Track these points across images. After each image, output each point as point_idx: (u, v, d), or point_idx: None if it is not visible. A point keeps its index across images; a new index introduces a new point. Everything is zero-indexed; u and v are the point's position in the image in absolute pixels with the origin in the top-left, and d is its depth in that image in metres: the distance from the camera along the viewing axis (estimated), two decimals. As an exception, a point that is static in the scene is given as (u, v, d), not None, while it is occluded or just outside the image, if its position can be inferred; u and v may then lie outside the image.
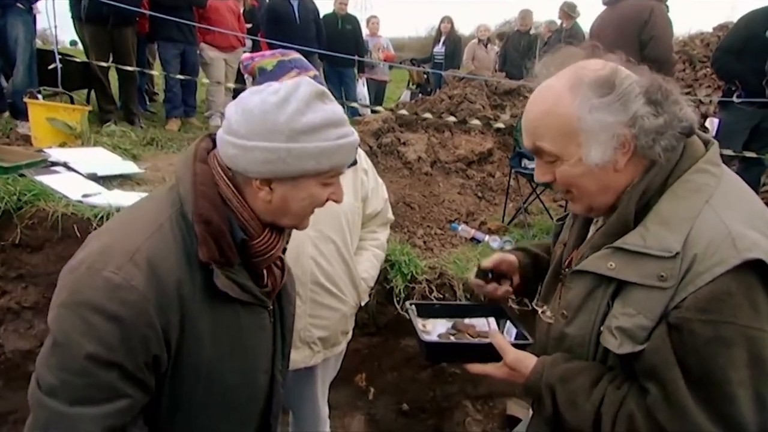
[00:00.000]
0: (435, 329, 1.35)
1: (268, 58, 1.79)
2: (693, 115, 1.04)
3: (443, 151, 5.04)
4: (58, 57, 4.33)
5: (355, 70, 7.63)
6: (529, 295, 1.46)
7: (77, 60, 5.06)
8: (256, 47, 6.75)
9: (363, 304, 2.17)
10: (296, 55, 1.80)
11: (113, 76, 5.44)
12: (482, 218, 4.12)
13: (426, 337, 1.27)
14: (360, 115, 6.39)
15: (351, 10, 7.53)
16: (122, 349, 0.94)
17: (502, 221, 4.07)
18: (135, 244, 0.97)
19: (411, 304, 1.38)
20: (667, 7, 4.37)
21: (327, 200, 1.12)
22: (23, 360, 2.85)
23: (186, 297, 1.01)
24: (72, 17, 5.08)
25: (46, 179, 2.86)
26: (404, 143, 4.88)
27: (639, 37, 4.20)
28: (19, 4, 4.44)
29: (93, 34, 4.99)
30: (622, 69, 1.01)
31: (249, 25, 6.69)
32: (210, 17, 5.80)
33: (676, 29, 4.41)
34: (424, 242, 3.57)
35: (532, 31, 8.49)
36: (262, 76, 1.77)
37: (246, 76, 1.95)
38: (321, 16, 6.87)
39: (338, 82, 7.44)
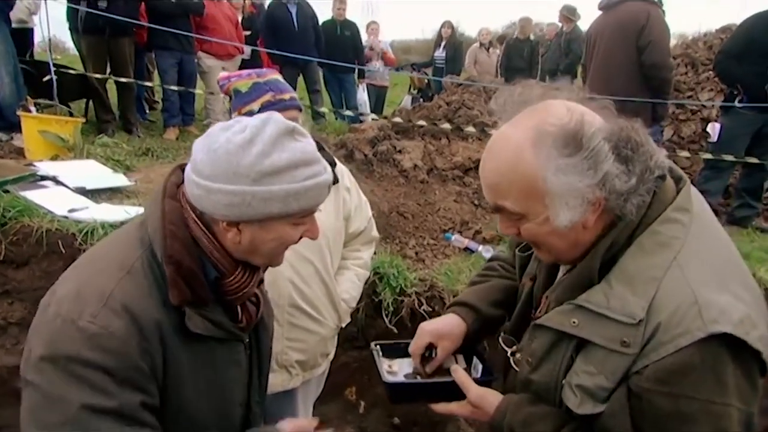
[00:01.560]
0: (401, 369, 1.27)
1: (243, 80, 1.74)
2: (665, 161, 0.96)
3: (440, 158, 4.96)
4: (53, 69, 4.31)
5: (355, 76, 7.58)
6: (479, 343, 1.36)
7: (73, 71, 5.04)
8: (254, 55, 6.72)
9: (344, 325, 2.10)
10: (272, 76, 1.75)
11: (111, 87, 5.43)
12: (477, 227, 4.04)
13: (389, 378, 1.21)
14: (360, 121, 6.33)
15: (358, 12, 7.49)
16: (117, 393, 0.91)
17: (497, 230, 3.98)
18: (108, 289, 0.94)
19: (375, 345, 1.30)
20: (664, 11, 4.28)
21: (301, 237, 1.07)
22: (10, 375, 2.81)
23: (166, 338, 0.98)
24: (69, 28, 5.07)
25: (33, 194, 2.82)
26: (400, 151, 4.80)
27: (636, 42, 4.11)
28: None
29: (90, 44, 4.98)
30: (587, 120, 0.90)
31: (248, 32, 6.66)
32: (207, 26, 5.77)
33: (684, 29, 4.30)
34: (416, 253, 3.50)
35: (532, 38, 8.40)
36: (237, 97, 1.72)
37: (222, 96, 1.90)
38: (320, 22, 6.83)
39: (338, 89, 7.40)
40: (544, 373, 1.02)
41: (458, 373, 1.13)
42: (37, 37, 6.30)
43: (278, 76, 1.77)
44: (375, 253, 3.21)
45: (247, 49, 6.50)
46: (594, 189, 0.89)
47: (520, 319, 1.19)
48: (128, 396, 0.93)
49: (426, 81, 8.82)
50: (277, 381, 1.86)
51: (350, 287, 2.06)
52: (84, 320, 0.91)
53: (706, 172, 4.40)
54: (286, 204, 0.97)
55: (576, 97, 0.97)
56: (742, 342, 0.84)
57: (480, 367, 1.25)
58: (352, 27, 7.32)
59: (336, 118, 6.86)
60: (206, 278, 1.02)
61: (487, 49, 8.76)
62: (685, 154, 4.94)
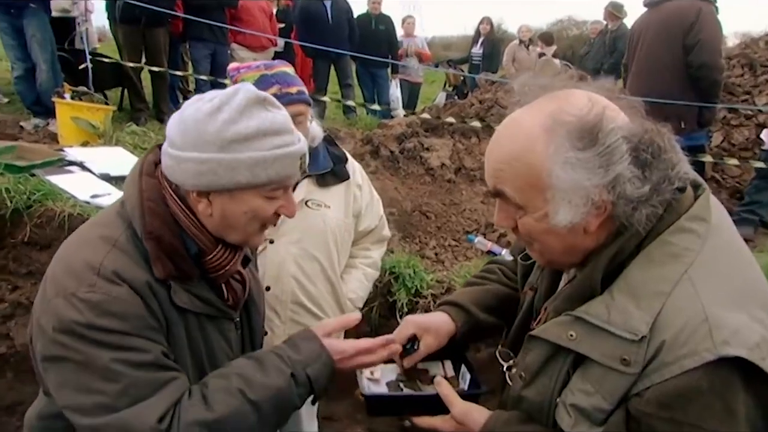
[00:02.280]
0: (384, 376, 1.21)
1: (252, 71, 1.72)
2: (688, 172, 0.88)
3: (469, 157, 4.86)
4: (89, 57, 4.44)
5: (389, 71, 7.52)
6: (467, 348, 1.29)
7: (108, 60, 5.18)
8: (288, 47, 6.76)
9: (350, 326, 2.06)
10: (281, 69, 1.71)
11: (146, 76, 5.55)
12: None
13: (369, 389, 1.15)
14: (391, 117, 6.28)
15: (399, 7, 7.45)
16: (139, 347, 0.94)
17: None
18: (97, 261, 0.95)
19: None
20: (717, 8, 4.03)
21: (277, 215, 1.07)
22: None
23: (163, 305, 1.00)
24: (108, 18, 5.21)
25: (58, 179, 2.89)
26: (428, 149, 4.73)
27: (683, 41, 3.89)
28: (32, 5, 4.56)
29: (126, 34, 5.11)
30: (609, 114, 0.83)
31: (282, 25, 6.70)
32: (241, 17, 5.83)
33: (748, 27, 4.02)
34: (436, 254, 3.43)
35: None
36: None
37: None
38: (355, 16, 6.80)
39: (371, 84, 7.37)
40: (537, 390, 0.95)
41: (442, 386, 1.07)
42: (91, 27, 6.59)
43: (287, 69, 1.73)
44: (392, 252, 3.18)
45: (281, 42, 6.54)
46: (601, 190, 0.82)
47: (519, 332, 1.12)
48: (150, 347, 0.96)
49: (461, 78, 8.69)
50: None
51: (357, 287, 2.01)
52: (83, 292, 0.92)
53: (758, 181, 4.14)
54: (254, 173, 0.97)
55: (604, 91, 0.90)
56: (757, 368, 0.75)
57: (468, 377, 1.18)
58: (387, 21, 7.27)
59: (367, 113, 6.84)
60: (188, 254, 1.03)
61: (527, 47, 8.54)
62: (735, 162, 4.66)
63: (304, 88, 1.71)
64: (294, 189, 1.77)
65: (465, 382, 1.17)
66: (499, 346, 1.17)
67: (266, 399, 1.01)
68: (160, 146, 1.07)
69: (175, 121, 1.00)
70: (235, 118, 0.96)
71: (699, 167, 4.07)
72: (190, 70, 6.32)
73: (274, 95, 1.63)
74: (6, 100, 5.40)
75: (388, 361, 1.21)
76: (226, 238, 1.05)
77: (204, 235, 1.04)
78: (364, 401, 1.12)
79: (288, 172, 1.01)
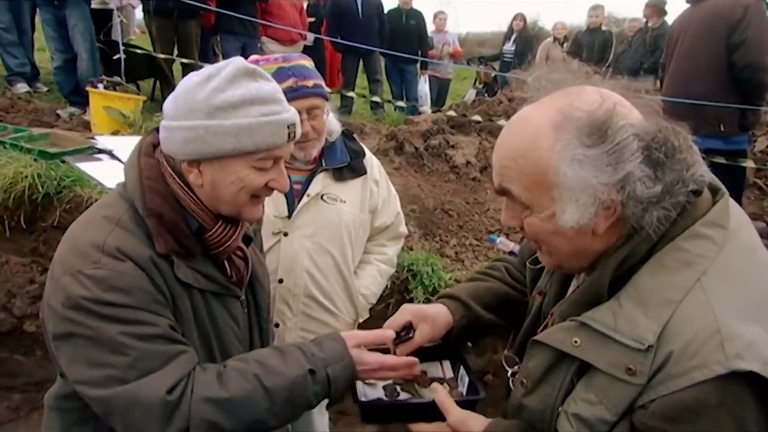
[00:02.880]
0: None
1: (270, 63, 1.72)
2: (705, 175, 0.84)
3: (495, 156, 4.80)
4: (122, 48, 4.57)
5: (418, 67, 7.48)
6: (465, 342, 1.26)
7: (140, 51, 5.31)
8: (317, 42, 6.80)
9: (362, 321, 2.06)
10: (298, 62, 1.71)
11: (178, 68, 5.66)
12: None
13: (364, 393, 1.14)
14: (419, 113, 6.26)
15: (434, 2, 7.41)
16: (146, 321, 0.96)
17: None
18: (101, 239, 0.98)
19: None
20: (767, 4, 3.84)
21: (268, 188, 1.08)
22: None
23: (167, 280, 1.02)
24: (143, 10, 5.34)
25: (87, 166, 2.98)
26: (453, 146, 4.69)
27: (727, 39, 3.72)
28: None
29: (159, 26, 5.23)
30: (620, 110, 0.80)
31: (312, 19, 6.74)
32: (272, 11, 5.89)
33: None
34: (456, 253, 3.39)
35: (604, 28, 7.88)
36: None
37: None
38: (385, 11, 6.79)
39: (399, 79, 7.35)
40: (539, 398, 0.92)
41: (438, 392, 1.05)
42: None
43: (306, 62, 1.73)
44: (411, 249, 3.17)
45: (310, 36, 6.58)
46: (610, 189, 0.79)
47: (526, 337, 1.08)
48: (157, 321, 0.98)
49: (492, 75, 8.59)
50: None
51: (371, 282, 2.01)
52: (89, 268, 0.95)
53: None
54: (239, 140, 0.98)
55: (619, 88, 0.87)
56: None
57: (467, 380, 1.15)
58: (418, 16, 7.23)
59: (395, 109, 6.83)
60: (189, 230, 1.05)
61: (562, 44, 8.36)
62: (779, 167, 4.47)
63: (321, 82, 1.71)
64: (310, 182, 1.80)
65: (464, 385, 1.15)
66: (505, 351, 1.15)
67: (281, 388, 1.02)
68: (158, 129, 1.10)
69: (170, 95, 1.04)
70: (223, 86, 0.98)
71: (740, 172, 3.91)
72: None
73: (290, 88, 1.65)
74: (45, 89, 5.59)
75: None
76: (220, 210, 1.07)
77: (204, 212, 1.06)
78: (359, 408, 1.10)
79: (274, 140, 1.02)
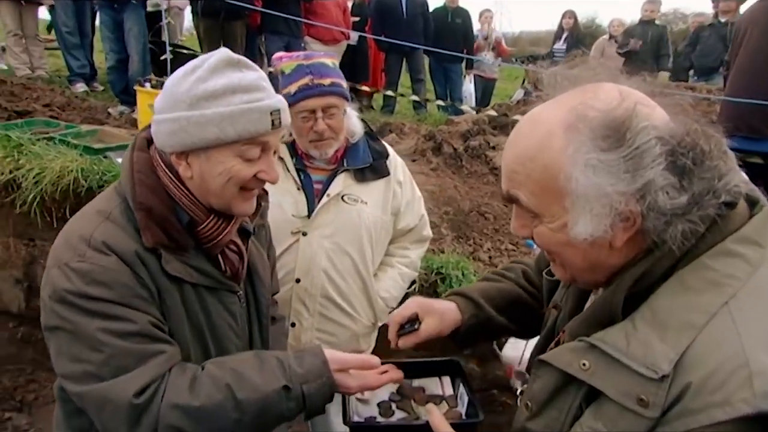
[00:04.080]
0: (375, 395, 1.15)
1: (291, 60, 1.73)
2: (741, 185, 0.75)
3: (538, 158, 4.66)
4: (169, 49, 4.76)
5: (463, 66, 7.38)
6: (475, 345, 1.21)
7: (186, 51, 5.50)
8: (361, 41, 6.83)
9: (380, 324, 2.03)
10: (319, 60, 1.71)
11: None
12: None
13: (357, 412, 1.10)
14: (462, 113, 6.17)
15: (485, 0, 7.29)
16: (126, 317, 0.98)
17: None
18: (89, 233, 1.01)
19: None
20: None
21: (258, 180, 1.07)
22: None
23: (154, 276, 1.03)
24: (192, 12, 5.53)
25: (128, 163, 3.11)
26: (494, 147, 4.58)
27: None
28: (133, 1, 4.99)
29: (206, 27, 5.40)
30: (642, 110, 0.73)
31: (356, 18, 6.77)
32: (316, 11, 5.96)
33: None
34: (489, 258, 3.31)
35: (657, 22, 7.46)
36: (281, 78, 1.73)
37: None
38: (431, 9, 6.74)
39: (443, 79, 7.28)
40: (545, 423, 0.84)
41: (434, 415, 0.99)
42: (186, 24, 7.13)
43: (327, 61, 1.72)
44: (442, 252, 3.12)
45: (354, 35, 6.61)
46: (628, 198, 0.72)
47: (539, 354, 1.03)
48: (136, 317, 0.98)
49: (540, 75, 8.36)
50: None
51: (391, 285, 1.98)
52: (74, 262, 0.97)
53: None
54: (222, 129, 0.98)
55: (645, 85, 0.79)
56: None
57: (466, 399, 1.09)
58: (463, 15, 7.14)
59: (438, 109, 6.76)
60: (180, 224, 1.06)
61: (617, 42, 8.02)
62: None
63: (340, 81, 1.70)
64: (331, 182, 1.79)
65: (463, 405, 1.10)
66: (515, 366, 1.09)
67: (253, 402, 1.00)
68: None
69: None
70: (205, 77, 0.99)
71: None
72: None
73: (305, 85, 1.65)
74: (101, 87, 5.90)
75: None
76: (210, 203, 1.07)
77: (195, 206, 1.06)
78: (349, 430, 1.07)
79: (257, 127, 1.01)
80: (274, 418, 1.04)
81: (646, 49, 7.08)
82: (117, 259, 0.99)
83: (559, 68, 0.86)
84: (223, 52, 1.03)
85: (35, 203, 2.84)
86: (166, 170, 1.06)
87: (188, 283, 1.08)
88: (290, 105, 1.69)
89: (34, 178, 2.84)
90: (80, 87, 5.56)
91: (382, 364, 1.14)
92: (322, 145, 1.72)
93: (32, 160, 2.92)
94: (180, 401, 0.97)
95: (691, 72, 7.59)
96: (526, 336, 1.31)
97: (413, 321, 1.13)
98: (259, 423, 1.03)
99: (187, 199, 1.06)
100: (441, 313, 1.14)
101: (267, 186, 1.80)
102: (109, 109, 4.76)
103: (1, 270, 3.12)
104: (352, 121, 1.79)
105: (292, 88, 1.65)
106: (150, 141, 1.09)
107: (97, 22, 6.01)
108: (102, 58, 6.21)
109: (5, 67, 6.20)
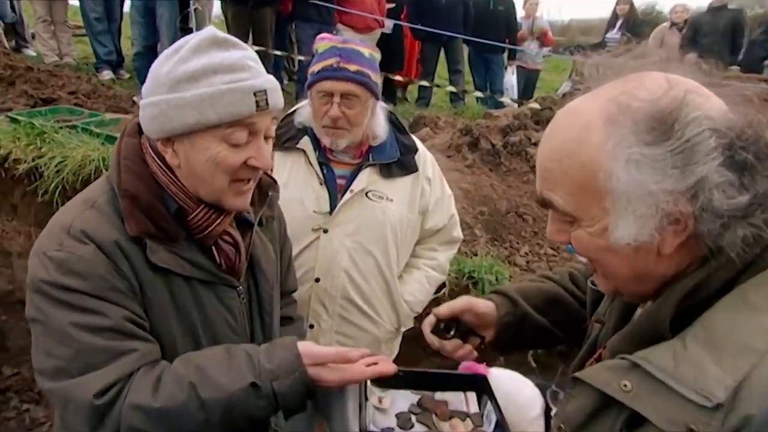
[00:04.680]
0: (394, 405, 1.12)
1: (327, 41, 1.74)
2: None
3: (583, 156, 4.55)
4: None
5: (505, 57, 7.27)
6: (509, 351, 1.19)
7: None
8: (397, 29, 6.81)
9: (404, 329, 2.02)
10: (355, 47, 1.70)
11: (253, 55, 5.91)
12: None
13: (372, 421, 1.07)
14: (503, 106, 6.08)
15: None
16: (99, 311, 0.98)
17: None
18: (69, 221, 1.02)
19: None
20: None
21: (249, 167, 1.05)
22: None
23: (137, 268, 1.03)
24: (220, -1, 5.64)
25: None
26: (535, 144, 4.49)
27: None
28: None
29: (234, 13, 5.49)
30: (693, 100, 0.69)
31: (391, 5, 6.75)
32: (349, -2, 5.97)
33: None
34: (527, 262, 3.25)
35: (730, 6, 7.14)
36: (315, 57, 1.75)
37: None
38: (471, -5, 6.67)
39: (483, 70, 7.19)
40: None
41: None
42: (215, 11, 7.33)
43: (364, 50, 1.71)
44: (475, 255, 3.08)
45: (389, 23, 6.59)
46: (676, 198, 0.68)
47: (576, 368, 0.98)
48: (110, 311, 0.98)
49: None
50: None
51: (416, 289, 1.97)
52: (52, 250, 0.99)
53: None
54: (202, 111, 0.97)
55: (700, 74, 0.75)
56: None
57: (494, 418, 1.06)
58: (506, 2, 7.04)
59: (477, 102, 6.69)
60: (169, 213, 1.06)
61: (680, 30, 7.74)
62: None
63: (368, 72, 1.68)
64: (355, 177, 1.79)
65: (489, 424, 1.06)
66: (552, 387, 1.06)
67: (218, 402, 0.99)
68: None
69: None
70: (187, 57, 0.98)
71: None
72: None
73: (330, 66, 1.65)
74: (128, 75, 6.08)
75: (401, 385, 1.14)
76: (200, 194, 1.07)
77: (184, 193, 1.06)
78: None
79: (239, 108, 0.98)
80: (244, 417, 1.02)
81: (718, 40, 6.75)
82: (95, 248, 0.98)
83: (603, 58, 0.82)
84: (209, 30, 1.02)
85: (57, 192, 2.94)
86: (155, 157, 1.06)
87: (179, 276, 1.07)
88: (311, 84, 1.71)
89: (56, 166, 2.95)
90: (107, 74, 5.73)
91: (405, 372, 1.12)
92: (335, 134, 1.71)
93: (54, 148, 3.03)
94: (141, 402, 0.96)
95: (767, 62, 7.26)
96: (568, 343, 1.28)
97: (450, 325, 1.13)
98: (229, 423, 1.01)
99: (175, 186, 1.05)
100: (481, 311, 1.15)
101: (288, 180, 1.84)
102: (134, 98, 4.88)
103: (23, 259, 3.25)
104: (377, 120, 1.77)
105: (317, 67, 1.67)
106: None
107: (126, 7, 6.20)
108: (128, 44, 6.40)
109: (34, 54, 6.44)
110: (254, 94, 0.99)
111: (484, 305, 1.17)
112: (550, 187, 0.79)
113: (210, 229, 1.09)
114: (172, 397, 0.98)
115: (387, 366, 1.09)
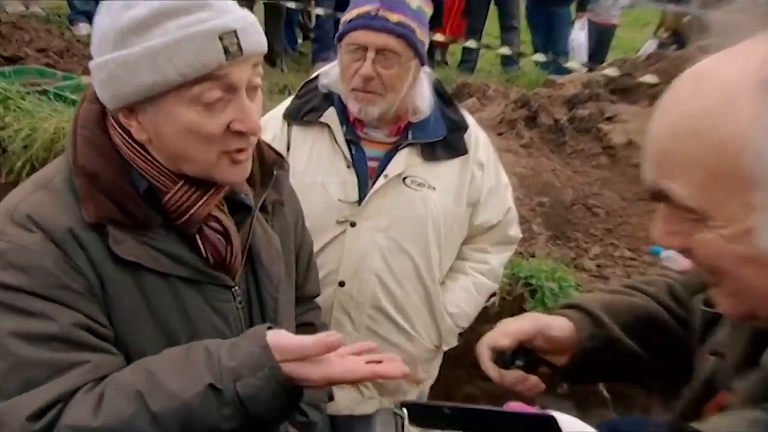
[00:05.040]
0: None
1: None
2: None
3: (672, 135, 4.51)
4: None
5: (572, 9, 7.19)
6: (589, 382, 1.18)
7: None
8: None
9: (447, 348, 2.04)
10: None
11: (260, 9, 5.95)
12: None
13: None
14: (567, 72, 6.03)
15: None
16: (44, 315, 0.97)
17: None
18: (14, 204, 1.02)
19: (402, 406, 1.13)
20: None
21: (234, 132, 1.02)
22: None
23: (96, 262, 1.02)
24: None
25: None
26: (610, 118, 4.47)
27: None
28: None
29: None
30: None
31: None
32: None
33: None
34: (598, 266, 3.25)
35: None
36: (351, 1, 1.77)
37: None
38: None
39: (545, 25, 7.12)
40: None
41: None
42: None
43: (414, 3, 1.71)
44: (532, 256, 3.09)
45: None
46: None
47: (686, 413, 0.98)
48: (57, 315, 0.97)
49: (686, 18, 8.02)
50: (343, 401, 1.90)
51: (462, 299, 1.99)
52: None
53: None
54: (157, 68, 0.94)
55: None
56: None
57: None
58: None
59: (535, 66, 6.64)
60: (138, 194, 1.05)
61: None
62: None
63: (414, 26, 1.68)
64: (390, 160, 1.80)
65: None
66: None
67: (171, 413, 0.96)
68: None
69: None
70: (131, 3, 0.95)
71: None
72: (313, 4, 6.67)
73: (367, 13, 1.65)
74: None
75: (446, 426, 1.14)
76: (182, 169, 1.05)
77: (155, 169, 1.05)
78: None
79: (203, 59, 0.94)
80: (208, 429, 0.98)
81: None
82: (42, 237, 0.98)
83: (732, 13, 0.79)
84: None
85: (24, 172, 3.02)
86: (116, 127, 1.05)
87: (153, 272, 1.06)
88: (342, 35, 1.71)
89: (23, 140, 3.03)
90: (83, 28, 5.79)
91: (452, 409, 1.12)
92: (365, 98, 1.71)
93: (21, 118, 3.11)
94: (78, 422, 0.95)
95: None
96: (666, 376, 1.26)
97: (517, 353, 1.11)
98: None
99: (143, 160, 1.04)
100: (555, 334, 1.12)
101: (309, 161, 1.85)
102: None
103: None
104: (420, 91, 1.78)
105: (351, 14, 1.68)
106: None
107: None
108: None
109: (-6, 3, 6.61)
110: (220, 38, 0.95)
111: (558, 327, 1.13)
112: (668, 175, 0.76)
113: (191, 211, 1.07)
114: (116, 413, 0.95)
115: (393, 368, 1.04)
